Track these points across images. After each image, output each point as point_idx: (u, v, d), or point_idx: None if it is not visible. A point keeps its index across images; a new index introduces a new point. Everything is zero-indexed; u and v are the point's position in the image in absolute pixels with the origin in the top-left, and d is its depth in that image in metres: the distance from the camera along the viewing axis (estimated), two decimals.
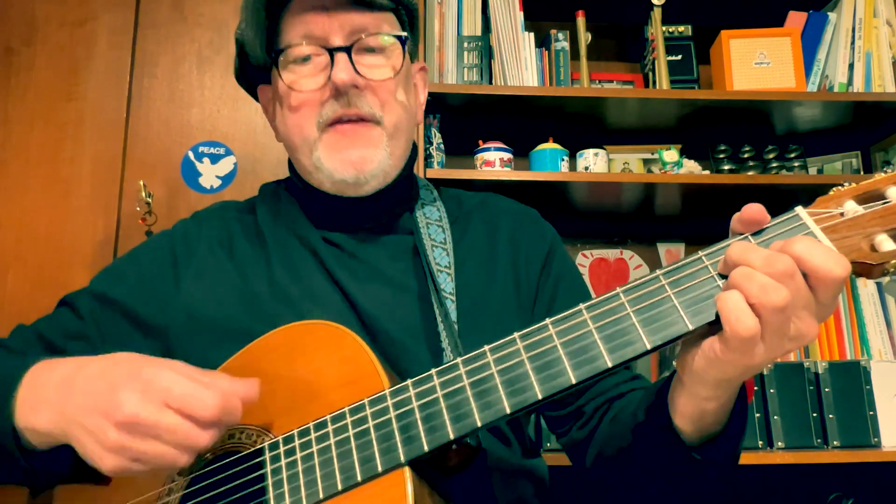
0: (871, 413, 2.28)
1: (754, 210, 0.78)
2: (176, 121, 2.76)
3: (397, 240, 1.22)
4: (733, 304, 0.71)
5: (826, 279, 0.71)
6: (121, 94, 2.75)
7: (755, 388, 2.29)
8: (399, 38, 1.19)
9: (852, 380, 2.31)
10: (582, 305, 0.81)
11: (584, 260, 2.91)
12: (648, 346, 0.76)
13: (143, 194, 2.66)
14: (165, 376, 0.84)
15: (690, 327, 0.75)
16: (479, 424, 0.80)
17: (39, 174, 2.67)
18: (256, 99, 1.34)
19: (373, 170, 1.15)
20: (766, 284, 0.70)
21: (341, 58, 1.12)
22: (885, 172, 0.79)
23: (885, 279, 2.47)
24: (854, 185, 0.79)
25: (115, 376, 0.85)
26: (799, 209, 0.78)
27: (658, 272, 0.79)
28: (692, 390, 0.82)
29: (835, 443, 2.25)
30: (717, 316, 0.74)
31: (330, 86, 1.13)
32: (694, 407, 0.84)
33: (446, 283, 1.14)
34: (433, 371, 0.85)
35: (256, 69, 1.25)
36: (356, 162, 1.14)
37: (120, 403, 0.81)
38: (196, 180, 2.74)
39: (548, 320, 0.81)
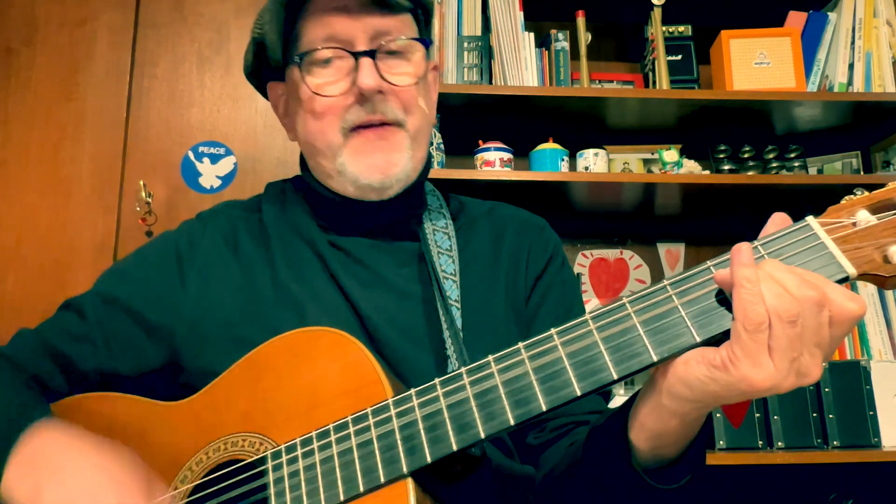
0: (871, 413, 2.28)
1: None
2: (176, 121, 2.77)
3: (403, 246, 1.21)
4: (753, 294, 0.70)
5: (845, 318, 0.71)
6: (121, 94, 2.75)
7: None
8: (422, 41, 1.18)
9: (852, 380, 2.32)
10: (588, 315, 0.79)
11: (584, 260, 2.91)
12: (655, 359, 0.75)
13: (143, 194, 2.66)
14: None
15: (698, 339, 0.74)
16: (482, 436, 0.79)
17: (39, 174, 2.67)
18: (265, 95, 1.33)
19: (397, 174, 1.14)
20: (781, 294, 0.69)
21: (366, 62, 1.11)
22: (887, 182, 0.77)
23: None
24: (867, 193, 0.77)
25: (98, 489, 0.87)
26: (810, 219, 0.76)
27: (665, 282, 0.78)
28: (661, 401, 0.79)
29: (835, 443, 2.26)
30: (723, 331, 0.73)
31: (354, 91, 1.12)
32: (657, 421, 0.81)
33: (451, 290, 1.13)
34: (437, 381, 0.84)
35: (269, 65, 1.24)
36: (382, 166, 1.13)
37: None
38: (196, 180, 2.74)
39: (553, 330, 0.80)
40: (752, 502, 2.67)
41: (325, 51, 1.14)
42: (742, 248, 0.73)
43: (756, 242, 0.77)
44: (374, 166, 1.13)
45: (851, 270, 0.73)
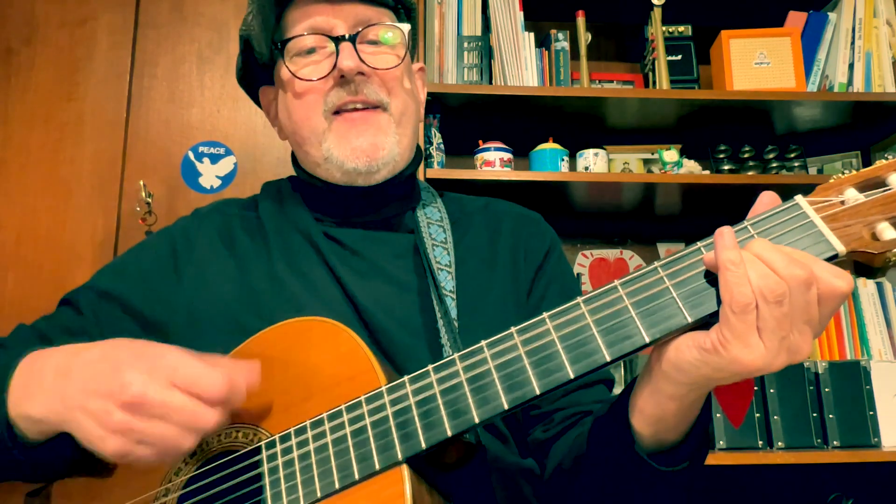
0: (871, 413, 2.28)
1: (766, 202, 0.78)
2: (176, 121, 2.76)
3: (399, 238, 1.21)
4: (738, 276, 0.71)
5: (833, 296, 0.71)
6: (121, 94, 2.75)
7: (755, 388, 2.29)
8: (401, 28, 1.20)
9: (852, 380, 2.31)
10: (580, 299, 0.80)
11: (584, 260, 2.91)
12: (647, 340, 0.75)
13: (143, 194, 2.66)
14: (171, 356, 0.84)
15: (689, 320, 0.74)
16: (476, 421, 0.79)
17: (39, 174, 2.67)
18: (257, 101, 1.34)
19: (384, 157, 1.15)
20: (767, 274, 0.70)
21: (346, 46, 1.13)
22: (886, 160, 0.78)
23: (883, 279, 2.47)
24: (855, 172, 0.78)
25: (117, 357, 0.85)
26: (798, 198, 0.77)
27: (656, 264, 0.79)
28: (658, 385, 0.80)
29: (835, 443, 2.25)
30: (715, 311, 0.73)
31: (335, 74, 1.13)
32: (655, 406, 0.82)
33: (447, 281, 1.13)
34: (430, 367, 0.84)
35: (260, 69, 1.26)
36: (367, 150, 1.14)
37: (126, 383, 0.80)
38: (196, 180, 2.74)
39: (545, 314, 0.80)
40: (752, 502, 2.67)
41: (305, 38, 1.16)
42: (724, 232, 0.74)
43: (746, 222, 0.78)
44: (359, 150, 1.14)
45: (840, 248, 0.73)
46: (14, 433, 0.90)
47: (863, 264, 0.78)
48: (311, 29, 1.15)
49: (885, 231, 0.73)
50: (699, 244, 0.78)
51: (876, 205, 0.74)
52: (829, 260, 0.73)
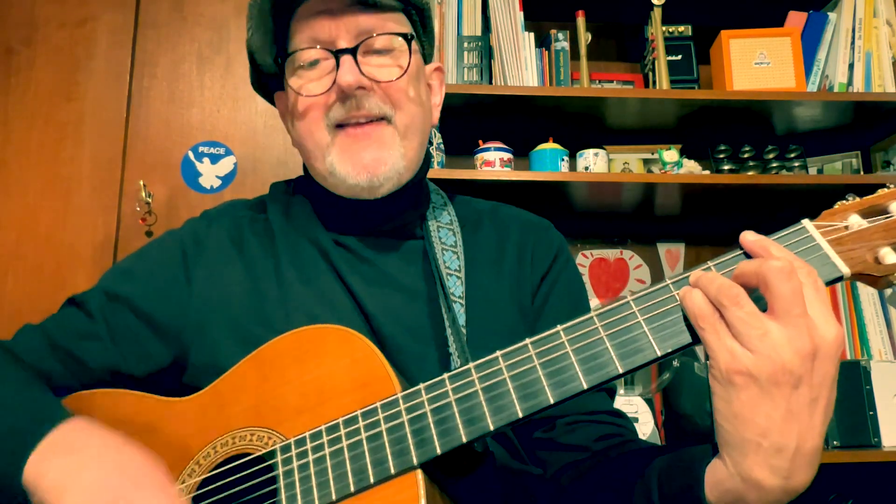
0: (871, 413, 2.28)
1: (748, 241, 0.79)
2: (176, 121, 2.77)
3: (409, 244, 1.21)
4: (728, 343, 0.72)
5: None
6: (121, 94, 2.75)
7: None
8: (405, 36, 1.16)
9: (852, 380, 2.31)
10: (593, 313, 0.82)
11: (584, 260, 2.91)
12: (659, 353, 0.77)
13: (143, 194, 2.66)
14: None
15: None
16: (491, 428, 0.80)
17: (39, 174, 2.67)
18: (275, 105, 1.33)
19: (386, 172, 1.13)
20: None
21: (346, 60, 1.11)
22: (887, 182, 0.82)
23: (888, 291, 2.48)
24: (858, 199, 0.82)
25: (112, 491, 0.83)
26: (805, 222, 0.81)
27: (668, 281, 0.81)
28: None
29: (835, 443, 2.25)
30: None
31: (335, 89, 1.12)
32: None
33: (456, 287, 1.13)
34: (445, 376, 0.85)
35: (271, 77, 1.25)
36: (369, 165, 1.12)
37: None
38: (196, 180, 2.74)
39: (559, 327, 0.82)
40: None
41: (307, 52, 1.14)
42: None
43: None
44: (360, 165, 1.12)
45: (846, 270, 0.77)
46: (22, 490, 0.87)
47: None
48: (313, 42, 1.14)
49: (888, 255, 0.77)
50: (709, 263, 0.80)
51: (879, 230, 0.78)
52: (834, 281, 0.77)
